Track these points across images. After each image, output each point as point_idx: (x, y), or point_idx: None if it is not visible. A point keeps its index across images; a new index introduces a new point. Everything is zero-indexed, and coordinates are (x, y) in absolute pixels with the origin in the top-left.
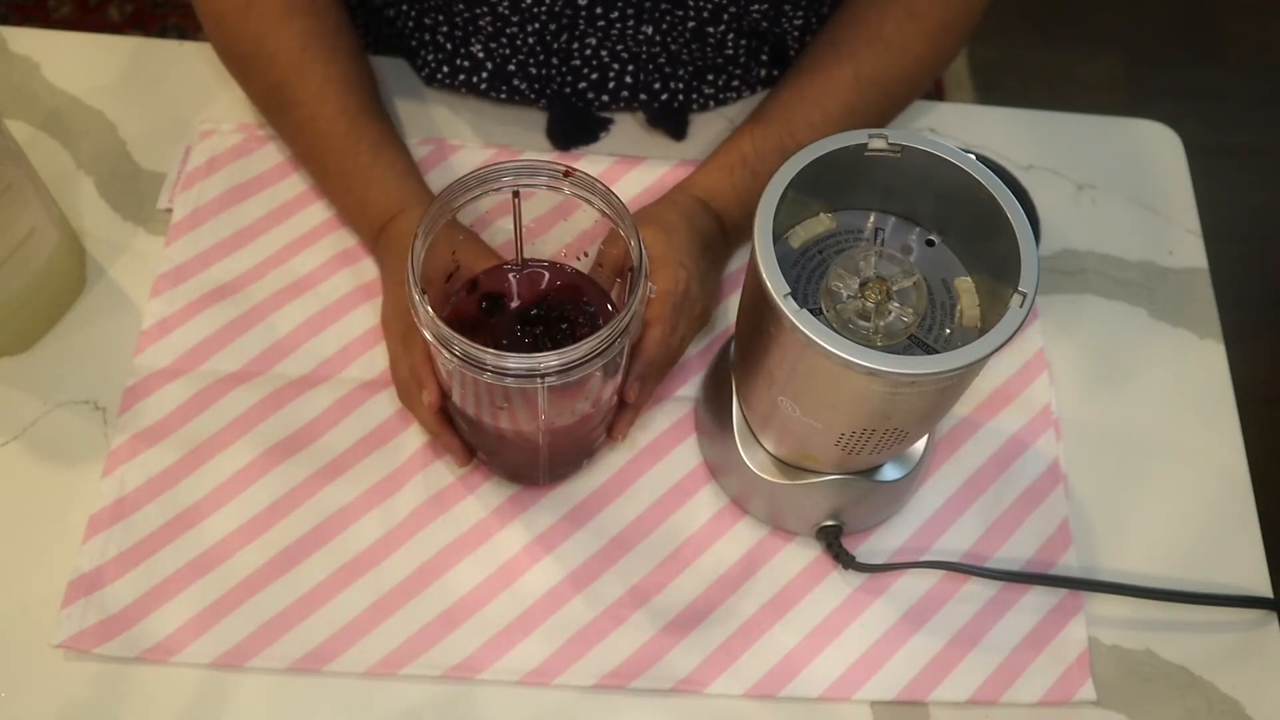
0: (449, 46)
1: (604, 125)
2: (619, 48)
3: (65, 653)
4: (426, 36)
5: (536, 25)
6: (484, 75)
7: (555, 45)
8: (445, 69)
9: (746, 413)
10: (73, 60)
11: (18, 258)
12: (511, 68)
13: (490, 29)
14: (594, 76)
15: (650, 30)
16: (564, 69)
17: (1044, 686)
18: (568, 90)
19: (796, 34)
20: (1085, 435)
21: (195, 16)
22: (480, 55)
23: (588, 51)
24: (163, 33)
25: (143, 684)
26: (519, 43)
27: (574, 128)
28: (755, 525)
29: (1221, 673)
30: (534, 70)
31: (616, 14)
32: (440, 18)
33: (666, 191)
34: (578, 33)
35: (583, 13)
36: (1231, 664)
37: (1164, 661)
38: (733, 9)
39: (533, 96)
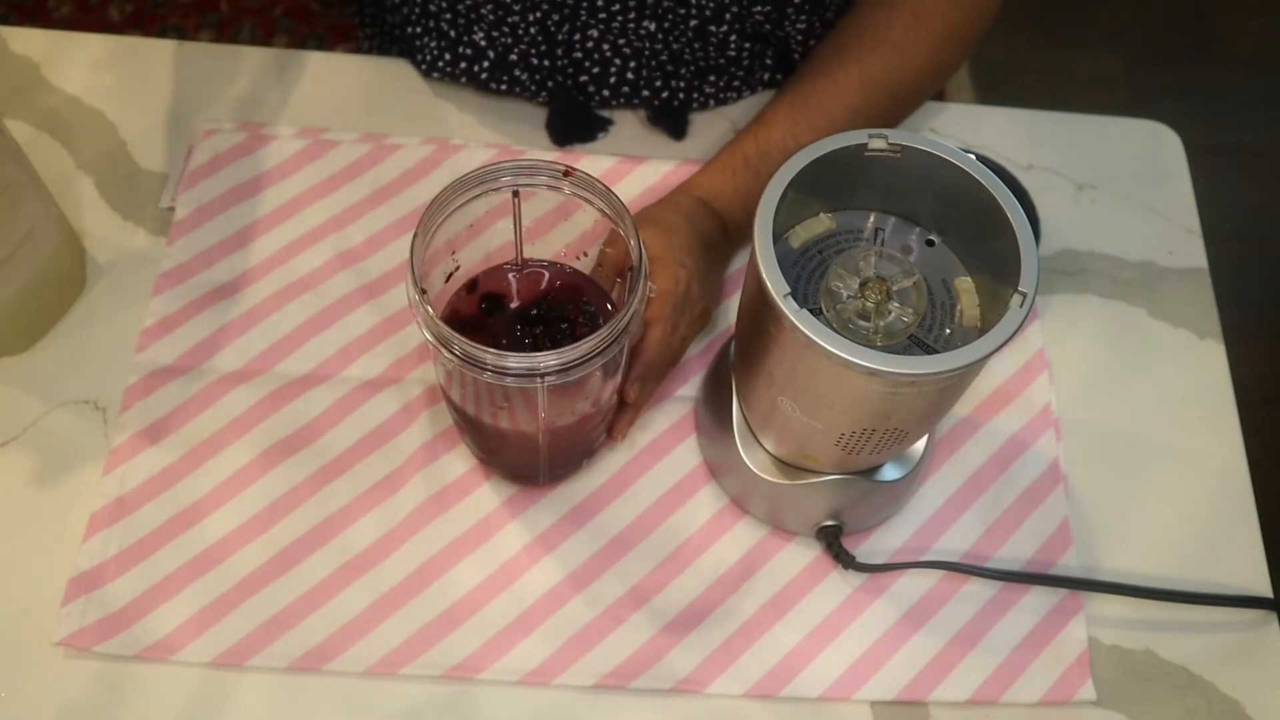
0: (452, 34)
1: (603, 125)
2: (621, 42)
3: (65, 651)
4: (431, 23)
5: (538, 14)
6: (485, 64)
7: (558, 36)
8: (447, 56)
9: (746, 413)
10: (73, 60)
11: (18, 257)
12: (513, 57)
13: (492, 16)
14: (595, 71)
15: (652, 26)
16: (565, 61)
17: (1044, 686)
18: (569, 84)
19: (800, 38)
20: (1085, 435)
21: (195, 16)
22: (483, 43)
23: (589, 44)
24: (163, 33)
25: (142, 682)
26: (520, 32)
27: (573, 124)
28: (755, 525)
29: (1221, 673)
30: (535, 61)
31: (618, 6)
32: (444, 4)
33: (668, 192)
34: (579, 24)
35: (584, 3)
36: (1231, 664)
37: (1164, 661)
38: (734, 9)
39: (533, 88)
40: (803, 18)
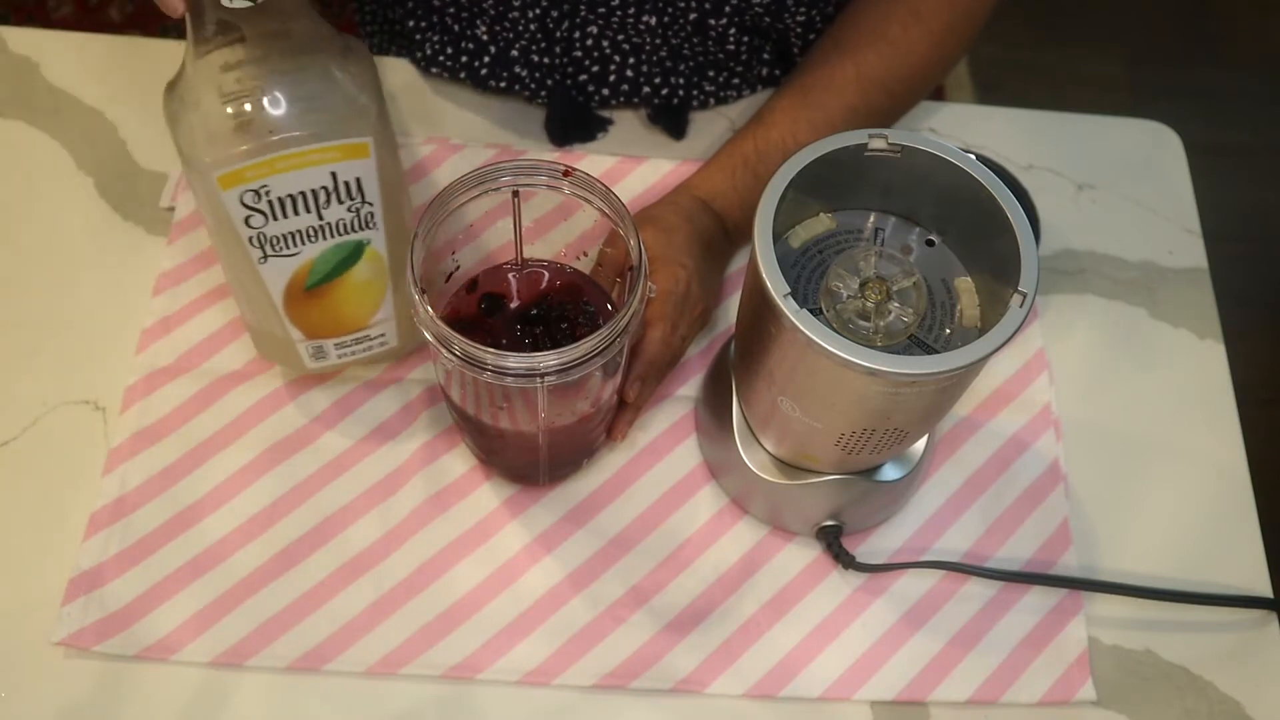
0: (455, 28)
1: (602, 126)
2: (620, 38)
3: (65, 650)
4: (435, 18)
5: (538, 10)
6: (486, 60)
7: (557, 33)
8: (449, 50)
9: (746, 413)
10: (73, 60)
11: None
12: (514, 53)
13: (494, 11)
14: (595, 69)
15: (652, 20)
16: (565, 59)
17: (1044, 686)
18: (568, 82)
19: (799, 31)
20: (1085, 435)
21: None
22: (484, 38)
23: (589, 41)
24: (163, 33)
25: (142, 682)
26: (520, 28)
27: (572, 123)
28: (755, 525)
29: (1221, 673)
30: (536, 58)
31: (618, 1)
32: None
33: (668, 192)
34: (579, 19)
35: None
36: (1231, 664)
37: (1164, 661)
38: (734, 1)
39: (533, 85)
40: (802, 10)
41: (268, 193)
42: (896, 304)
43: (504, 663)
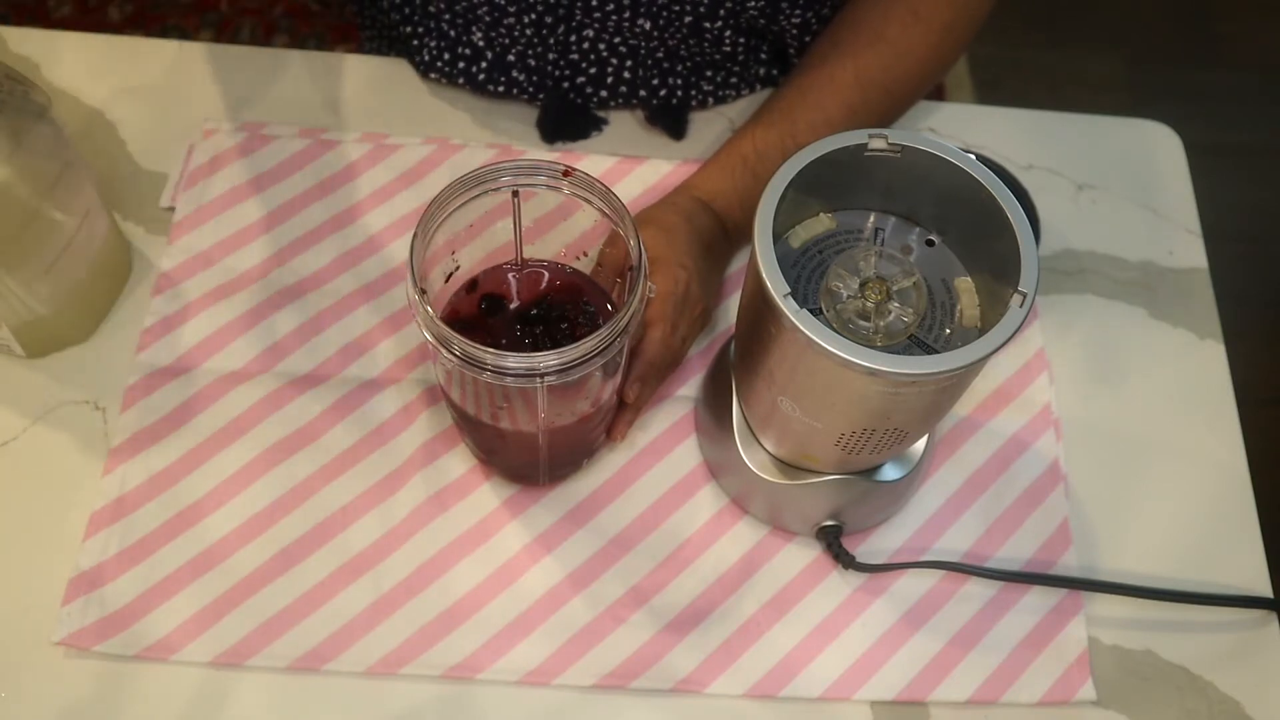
0: (452, 34)
1: (596, 125)
2: (616, 40)
3: (65, 650)
4: (431, 24)
5: (533, 15)
6: (483, 65)
7: (552, 39)
8: (446, 55)
9: (746, 413)
10: (73, 60)
11: (80, 236)
12: (511, 58)
13: (489, 18)
14: (592, 71)
15: (647, 24)
16: (562, 62)
17: (1044, 686)
18: (566, 84)
19: (795, 32)
20: (1085, 435)
21: (195, 16)
22: (481, 44)
23: (585, 44)
24: (163, 33)
25: (143, 682)
26: (517, 33)
27: (564, 122)
28: (755, 525)
29: (1221, 673)
30: (533, 62)
31: (613, 5)
32: (443, 4)
33: (667, 192)
34: (574, 24)
35: (579, 3)
36: (1231, 664)
37: (1164, 661)
38: (729, 4)
39: (531, 89)
40: (797, 12)
41: None
42: (896, 304)
43: (504, 663)
